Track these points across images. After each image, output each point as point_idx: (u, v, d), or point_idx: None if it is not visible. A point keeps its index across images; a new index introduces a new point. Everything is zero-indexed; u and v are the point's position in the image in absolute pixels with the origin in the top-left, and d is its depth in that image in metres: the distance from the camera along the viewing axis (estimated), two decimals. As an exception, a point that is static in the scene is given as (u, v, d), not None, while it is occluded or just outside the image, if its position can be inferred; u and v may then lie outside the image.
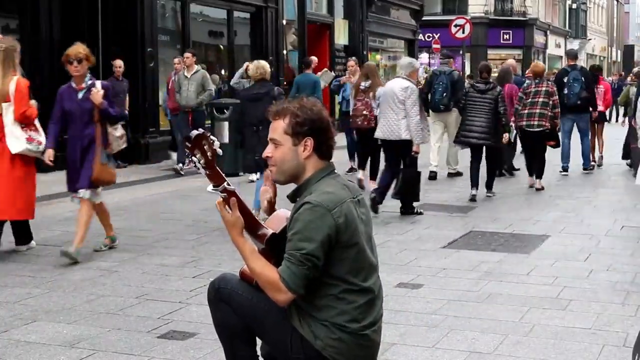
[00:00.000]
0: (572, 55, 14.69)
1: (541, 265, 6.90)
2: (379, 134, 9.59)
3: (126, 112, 14.32)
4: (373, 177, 11.21)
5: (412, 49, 30.41)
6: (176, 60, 14.10)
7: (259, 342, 3.52)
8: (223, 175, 3.25)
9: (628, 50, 71.78)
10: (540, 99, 11.43)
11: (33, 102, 7.32)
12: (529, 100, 11.51)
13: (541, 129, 11.43)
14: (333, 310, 3.23)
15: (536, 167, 11.67)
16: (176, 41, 17.10)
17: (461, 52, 27.71)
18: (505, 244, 7.85)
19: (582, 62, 53.96)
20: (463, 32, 25.22)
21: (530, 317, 5.39)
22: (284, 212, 3.52)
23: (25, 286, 6.22)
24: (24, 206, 7.19)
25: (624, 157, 14.46)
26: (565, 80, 13.05)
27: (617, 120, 14.30)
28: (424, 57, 37.20)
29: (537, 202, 10.48)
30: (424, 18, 31.23)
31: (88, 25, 14.54)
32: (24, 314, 5.46)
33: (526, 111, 11.51)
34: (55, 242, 7.91)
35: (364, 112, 11.10)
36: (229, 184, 3.24)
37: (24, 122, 7.11)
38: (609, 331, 5.10)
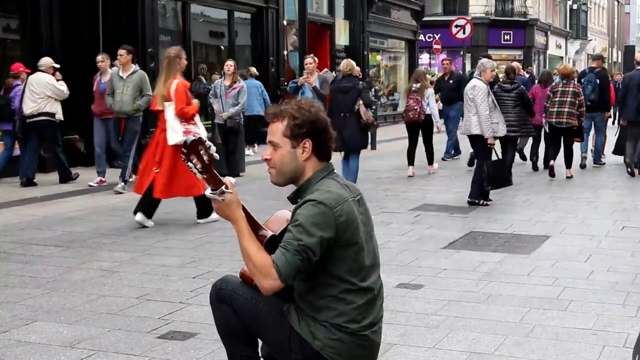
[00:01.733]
0: (594, 57, 15.45)
1: (541, 266, 6.89)
2: (462, 130, 10.80)
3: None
4: (430, 162, 13.90)
5: (413, 50, 30.43)
6: (99, 57, 12.33)
7: (259, 342, 3.52)
8: (221, 178, 3.25)
9: (629, 51, 71.68)
10: (569, 99, 12.64)
11: (195, 101, 8.75)
12: (557, 99, 12.69)
13: (569, 126, 12.67)
14: (332, 311, 3.23)
15: (568, 159, 13.01)
16: (177, 42, 17.07)
17: (462, 53, 27.71)
18: (505, 245, 7.85)
19: (582, 62, 54.10)
20: (464, 33, 25.21)
21: (530, 318, 5.38)
22: (284, 213, 3.52)
23: (26, 286, 6.22)
24: (188, 185, 8.34)
25: (615, 151, 14.93)
26: (582, 81, 14.04)
27: (619, 122, 15.02)
28: (425, 57, 37.22)
29: (537, 203, 10.48)
30: (425, 18, 31.23)
31: (88, 25, 14.56)
32: (24, 314, 5.46)
33: (555, 109, 12.70)
34: (55, 242, 7.92)
35: (415, 107, 13.23)
36: (227, 187, 3.24)
37: (183, 117, 8.47)
38: (609, 332, 5.09)
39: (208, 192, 3.25)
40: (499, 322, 5.29)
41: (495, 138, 10.25)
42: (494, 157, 10.38)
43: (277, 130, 3.29)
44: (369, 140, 13.07)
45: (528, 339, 4.96)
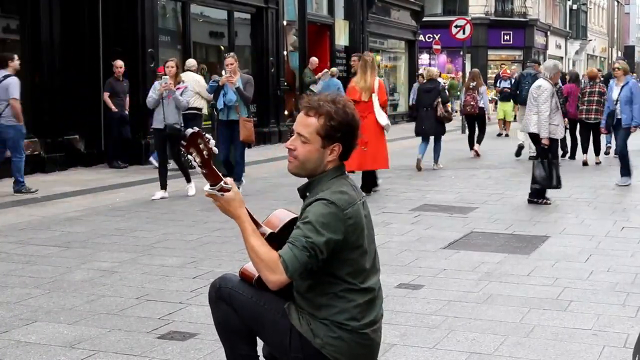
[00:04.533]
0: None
1: (541, 266, 6.90)
2: (521, 127, 11.89)
3: (126, 112, 14.38)
4: (478, 143, 17.00)
5: (413, 50, 30.44)
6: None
7: (259, 342, 3.52)
8: (220, 174, 3.22)
9: (628, 51, 71.78)
10: (595, 98, 15.10)
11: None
12: (586, 98, 15.22)
13: (597, 120, 14.83)
14: (333, 308, 3.23)
15: (596, 148, 15.59)
16: (177, 42, 17.11)
17: (461, 53, 27.70)
18: (505, 245, 7.85)
19: (582, 62, 54.09)
20: (463, 33, 25.22)
21: (530, 318, 5.39)
22: (282, 212, 3.51)
23: (26, 286, 6.22)
24: (382, 159, 11.14)
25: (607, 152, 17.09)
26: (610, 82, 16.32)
27: None
28: (425, 58, 37.21)
29: (537, 203, 10.47)
30: (425, 19, 31.23)
31: (89, 25, 14.56)
32: (24, 314, 5.46)
33: (585, 107, 15.18)
34: (55, 242, 7.92)
35: (472, 103, 16.67)
36: (226, 183, 3.21)
37: (383, 106, 11.27)
38: (609, 332, 5.10)
39: (207, 187, 3.21)
40: (499, 322, 5.29)
41: (551, 140, 10.30)
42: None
43: (311, 125, 3.22)
44: (445, 129, 15.29)
45: (528, 339, 4.97)
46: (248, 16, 19.48)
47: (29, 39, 13.40)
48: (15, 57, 11.14)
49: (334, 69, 19.21)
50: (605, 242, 7.99)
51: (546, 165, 10.24)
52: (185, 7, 16.98)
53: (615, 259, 7.18)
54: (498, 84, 23.53)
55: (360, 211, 3.24)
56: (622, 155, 12.34)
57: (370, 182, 11.24)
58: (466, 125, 18.51)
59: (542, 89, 10.27)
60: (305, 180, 3.34)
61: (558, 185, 10.39)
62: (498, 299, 5.86)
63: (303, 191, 3.33)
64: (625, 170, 12.24)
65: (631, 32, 78.24)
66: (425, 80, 15.52)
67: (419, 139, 14.74)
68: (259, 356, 3.53)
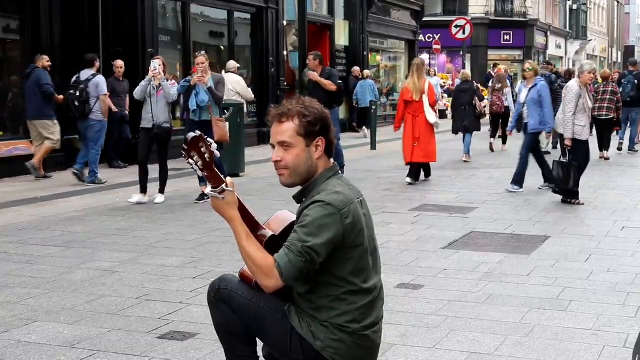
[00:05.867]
0: (632, 63, 19.00)
1: (541, 266, 6.90)
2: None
3: (126, 112, 14.37)
4: (504, 143, 18.39)
5: (413, 50, 30.40)
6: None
7: (259, 342, 3.51)
8: (222, 176, 3.23)
9: (628, 51, 71.76)
10: (608, 97, 16.23)
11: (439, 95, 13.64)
12: (599, 97, 16.22)
13: (609, 117, 16.16)
14: (334, 311, 3.23)
15: (605, 144, 16.53)
16: (177, 42, 17.11)
17: (462, 53, 27.71)
18: (505, 245, 7.85)
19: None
20: (463, 33, 25.27)
21: (530, 318, 5.39)
22: (284, 213, 3.51)
23: (26, 286, 6.22)
24: (432, 153, 12.53)
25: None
26: (623, 81, 17.88)
27: None
28: (424, 58, 37.19)
29: (537, 203, 10.48)
30: (425, 19, 31.22)
31: (89, 25, 14.55)
32: (24, 314, 5.46)
33: (597, 105, 15.89)
34: (55, 242, 7.91)
35: (498, 103, 18.09)
36: (227, 185, 3.22)
37: (433, 105, 12.53)
38: (609, 332, 5.10)
39: (208, 190, 3.22)
40: (499, 322, 5.29)
41: (577, 141, 10.30)
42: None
43: (288, 129, 3.23)
44: (481, 125, 17.21)
45: (528, 339, 4.96)
46: (248, 16, 19.49)
47: (29, 39, 13.39)
48: (97, 58, 12.73)
49: (367, 71, 22.30)
50: (605, 242, 7.99)
51: (564, 167, 10.17)
52: (185, 7, 16.98)
53: (615, 259, 7.18)
54: (491, 84, 23.60)
55: (358, 210, 3.24)
56: (523, 161, 11.35)
57: (421, 172, 12.71)
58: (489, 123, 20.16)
59: (569, 89, 10.40)
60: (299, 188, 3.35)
61: (574, 189, 10.29)
62: (498, 299, 5.86)
63: (299, 197, 3.33)
64: (519, 177, 11.36)
65: (631, 32, 78.24)
66: (460, 82, 17.62)
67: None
68: (258, 357, 3.53)
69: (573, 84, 10.46)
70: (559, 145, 15.35)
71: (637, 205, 10.39)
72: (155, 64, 10.33)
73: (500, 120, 18.62)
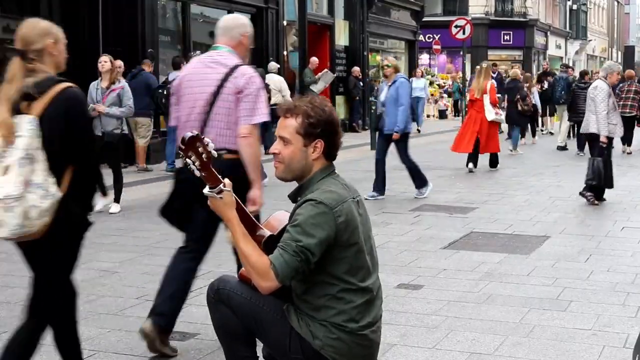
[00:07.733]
0: None
1: (541, 266, 6.90)
2: (582, 128, 11.68)
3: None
4: (533, 136, 20.40)
5: (413, 50, 30.42)
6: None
7: (259, 343, 3.51)
8: (219, 176, 3.23)
9: (628, 51, 71.79)
10: (631, 95, 17.53)
11: (498, 96, 15.06)
12: (623, 95, 17.39)
13: (632, 114, 17.40)
14: (331, 310, 3.23)
15: (628, 139, 17.41)
16: (177, 42, 17.11)
17: (462, 53, 27.70)
18: (505, 245, 7.85)
19: (582, 62, 54.06)
20: (463, 33, 25.22)
21: (530, 318, 5.39)
22: (282, 214, 3.51)
23: (26, 286, 6.20)
24: (493, 144, 14.18)
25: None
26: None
27: None
28: (424, 58, 37.21)
29: (537, 203, 10.48)
30: (425, 19, 31.22)
31: (88, 25, 14.55)
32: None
33: (621, 103, 16.63)
34: (55, 242, 7.90)
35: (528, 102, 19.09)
36: (224, 186, 3.22)
37: (494, 104, 14.02)
38: (609, 332, 5.10)
39: (206, 190, 3.22)
40: (499, 322, 5.29)
41: (609, 138, 10.36)
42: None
43: (289, 126, 3.27)
44: (527, 121, 19.01)
45: (528, 339, 4.97)
46: (248, 16, 19.47)
47: (29, 39, 13.39)
48: (183, 60, 13.45)
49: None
50: (605, 242, 7.99)
51: (601, 164, 10.20)
52: (185, 7, 16.98)
53: (615, 259, 7.18)
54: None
55: (352, 209, 3.24)
56: (410, 166, 10.97)
57: (493, 161, 14.46)
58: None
59: (598, 89, 10.38)
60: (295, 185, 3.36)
61: (608, 185, 10.42)
62: (498, 299, 5.86)
63: (294, 196, 3.34)
64: (419, 182, 10.89)
65: (631, 32, 78.24)
66: (509, 79, 19.63)
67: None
68: (258, 357, 3.53)
69: (602, 84, 10.37)
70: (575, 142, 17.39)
71: (637, 205, 10.40)
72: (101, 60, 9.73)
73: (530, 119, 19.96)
